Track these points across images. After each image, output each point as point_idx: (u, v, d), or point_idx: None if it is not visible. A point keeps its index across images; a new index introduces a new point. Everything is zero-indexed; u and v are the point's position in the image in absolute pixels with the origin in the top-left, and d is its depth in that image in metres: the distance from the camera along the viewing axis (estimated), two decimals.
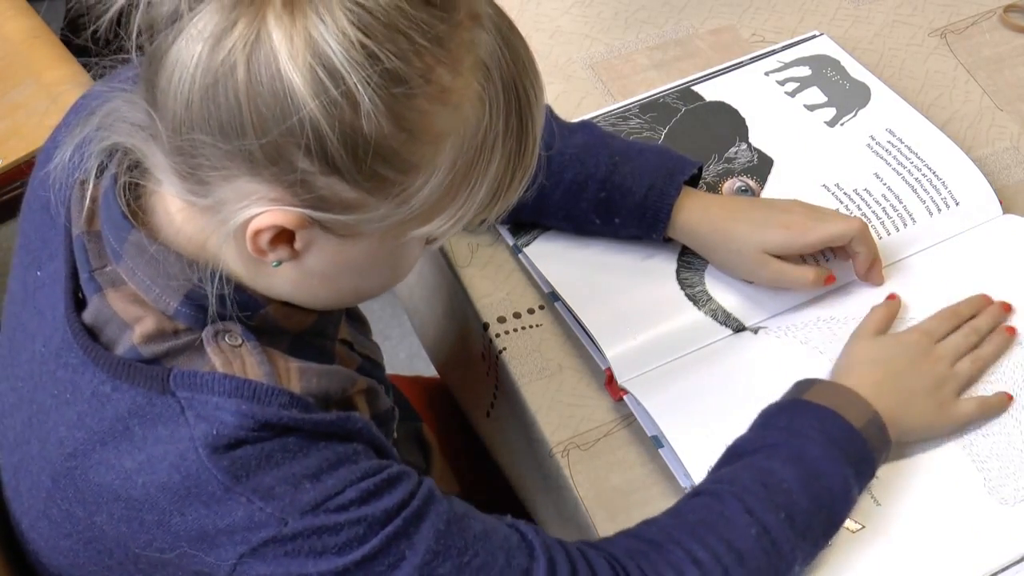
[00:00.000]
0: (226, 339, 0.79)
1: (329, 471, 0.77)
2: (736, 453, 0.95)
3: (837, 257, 1.10)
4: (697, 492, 0.92)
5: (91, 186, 0.83)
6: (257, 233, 0.75)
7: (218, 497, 0.75)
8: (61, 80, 1.62)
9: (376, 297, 0.88)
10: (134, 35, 0.74)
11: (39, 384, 0.83)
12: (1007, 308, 1.08)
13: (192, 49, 0.70)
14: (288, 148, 0.71)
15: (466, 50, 0.73)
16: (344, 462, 0.78)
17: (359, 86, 0.69)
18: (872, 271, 1.09)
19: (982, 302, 1.08)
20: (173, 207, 0.80)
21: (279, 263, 0.78)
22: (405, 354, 2.11)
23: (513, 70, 0.76)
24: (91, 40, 0.76)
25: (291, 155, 0.71)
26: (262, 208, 0.74)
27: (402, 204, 0.75)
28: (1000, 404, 1.02)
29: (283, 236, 0.76)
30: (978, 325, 1.06)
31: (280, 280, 0.80)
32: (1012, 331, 1.06)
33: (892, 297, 1.08)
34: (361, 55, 0.69)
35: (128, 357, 0.79)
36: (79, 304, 0.82)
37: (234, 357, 0.79)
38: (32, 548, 0.87)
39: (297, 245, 0.76)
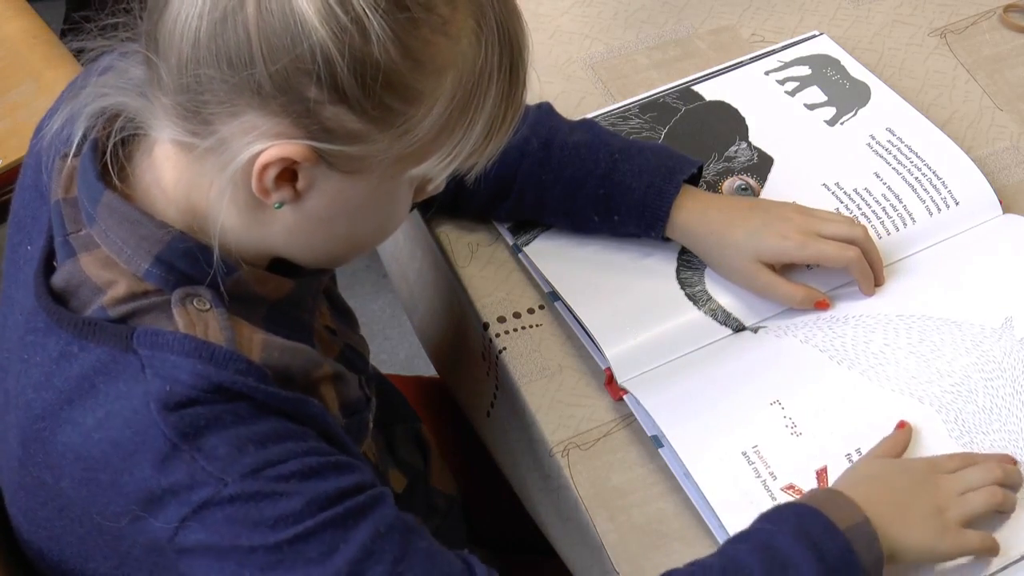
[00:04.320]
0: (194, 303, 0.80)
1: (276, 440, 0.78)
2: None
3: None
4: None
5: (71, 155, 0.84)
6: (264, 168, 0.76)
7: (164, 454, 0.75)
8: (61, 80, 1.62)
9: (366, 253, 0.89)
10: None
11: (13, 352, 0.84)
12: None
13: None
14: (297, 76, 0.73)
15: None
16: (292, 437, 0.79)
17: (367, 11, 0.72)
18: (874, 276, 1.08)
19: (1002, 457, 0.98)
20: (164, 163, 0.81)
21: (281, 204, 0.79)
22: (405, 354, 2.10)
23: (503, 11, 0.79)
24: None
25: (300, 84, 0.73)
26: (268, 142, 0.75)
27: (404, 136, 0.77)
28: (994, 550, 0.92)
29: (286, 174, 0.77)
30: (1001, 473, 0.95)
31: (277, 227, 0.82)
32: None
33: (902, 425, 0.99)
34: None
35: (96, 318, 0.79)
36: (50, 269, 0.83)
37: (199, 320, 0.79)
38: (15, 524, 0.87)
39: (299, 185, 0.78)
